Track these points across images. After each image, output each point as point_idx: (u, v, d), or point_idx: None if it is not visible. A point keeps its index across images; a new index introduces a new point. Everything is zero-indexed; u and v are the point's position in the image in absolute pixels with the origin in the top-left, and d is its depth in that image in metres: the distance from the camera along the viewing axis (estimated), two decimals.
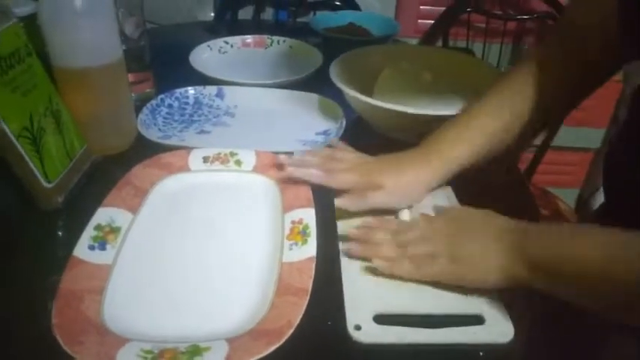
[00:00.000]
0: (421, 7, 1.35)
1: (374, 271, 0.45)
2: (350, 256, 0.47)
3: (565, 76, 0.54)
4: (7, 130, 0.48)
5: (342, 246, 0.48)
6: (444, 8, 1.30)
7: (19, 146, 0.49)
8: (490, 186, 0.60)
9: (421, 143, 0.55)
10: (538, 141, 1.18)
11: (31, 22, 0.59)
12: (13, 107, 0.49)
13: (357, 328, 0.40)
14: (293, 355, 0.37)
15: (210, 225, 0.51)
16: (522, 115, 0.54)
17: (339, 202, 0.51)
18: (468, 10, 1.30)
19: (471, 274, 0.43)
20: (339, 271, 0.46)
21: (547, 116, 0.57)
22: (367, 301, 0.43)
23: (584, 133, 1.46)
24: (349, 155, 0.57)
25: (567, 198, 1.20)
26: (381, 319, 0.41)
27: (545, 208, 1.14)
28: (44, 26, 0.54)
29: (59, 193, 0.53)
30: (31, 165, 0.50)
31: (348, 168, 0.54)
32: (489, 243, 0.43)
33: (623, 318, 0.39)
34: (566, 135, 1.33)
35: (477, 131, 0.54)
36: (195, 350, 0.36)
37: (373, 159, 0.56)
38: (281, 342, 0.37)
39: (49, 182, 0.52)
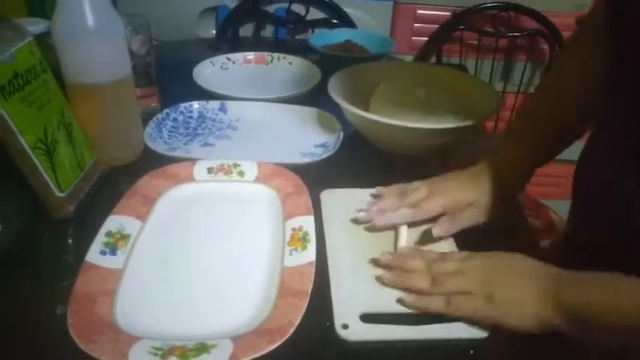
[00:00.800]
0: (415, 24, 1.40)
1: (359, 272, 0.49)
2: (383, 283, 0.47)
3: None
4: (24, 143, 0.51)
5: (329, 248, 0.51)
6: (437, 26, 1.35)
7: (34, 158, 0.52)
8: None
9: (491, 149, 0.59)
10: None
11: (43, 40, 0.62)
12: (29, 121, 0.52)
13: (345, 327, 0.43)
14: (291, 352, 0.40)
15: (214, 232, 0.54)
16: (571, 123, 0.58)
17: (437, 230, 0.52)
18: (461, 27, 1.34)
19: (505, 318, 0.43)
20: (326, 271, 0.49)
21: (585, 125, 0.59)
22: (354, 301, 0.45)
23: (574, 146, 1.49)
24: (417, 183, 0.57)
25: (560, 209, 1.23)
26: (368, 317, 0.44)
27: (538, 219, 1.17)
28: (58, 44, 0.57)
29: (71, 202, 0.56)
30: (45, 176, 0.53)
31: (428, 194, 0.55)
32: (524, 287, 0.43)
33: None
34: None
35: (540, 135, 0.58)
36: (203, 347, 0.39)
37: (442, 178, 0.57)
38: (283, 340, 0.39)
39: (62, 192, 0.55)
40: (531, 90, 1.45)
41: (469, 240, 0.53)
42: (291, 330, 0.40)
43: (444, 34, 1.35)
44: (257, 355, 0.38)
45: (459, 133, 0.64)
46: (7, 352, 0.41)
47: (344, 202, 0.58)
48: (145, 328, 0.42)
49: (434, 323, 0.44)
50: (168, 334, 0.41)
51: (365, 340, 0.43)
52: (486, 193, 0.54)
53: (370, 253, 0.51)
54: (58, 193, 0.54)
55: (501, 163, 0.56)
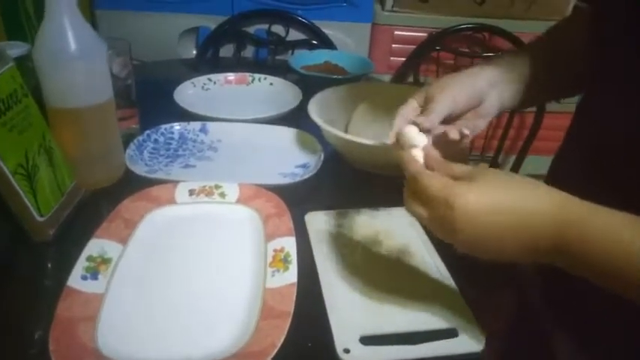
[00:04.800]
0: (393, 45, 1.43)
1: (354, 294, 0.49)
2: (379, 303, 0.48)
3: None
4: (5, 168, 0.51)
5: (320, 272, 0.52)
6: (414, 47, 1.39)
7: (14, 183, 0.52)
8: None
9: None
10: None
11: (23, 63, 0.63)
12: (10, 146, 0.52)
13: (346, 351, 0.43)
14: None
15: (196, 254, 0.55)
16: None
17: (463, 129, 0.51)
18: (437, 48, 1.38)
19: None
20: (320, 295, 0.49)
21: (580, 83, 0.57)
22: (352, 323, 0.46)
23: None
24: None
25: None
26: (367, 340, 0.44)
27: None
28: (40, 69, 0.57)
29: (51, 226, 0.56)
30: (26, 200, 0.53)
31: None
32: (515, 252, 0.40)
33: None
34: (536, 163, 1.41)
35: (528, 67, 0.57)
36: None
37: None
38: None
39: (42, 216, 0.55)
40: None
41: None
42: (274, 352, 0.41)
43: (421, 54, 1.39)
44: None
45: None
46: None
47: (330, 224, 0.60)
48: (129, 353, 0.42)
49: (432, 341, 0.45)
50: (151, 358, 0.41)
51: None
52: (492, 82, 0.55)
53: (363, 273, 0.52)
54: (38, 218, 0.54)
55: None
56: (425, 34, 1.39)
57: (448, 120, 0.53)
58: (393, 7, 1.41)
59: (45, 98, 0.59)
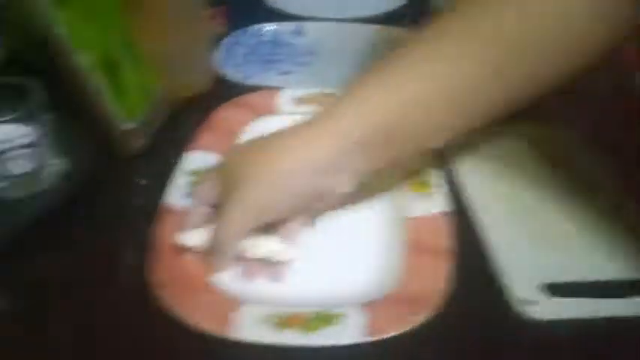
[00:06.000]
0: None
1: (522, 232, 0.38)
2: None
3: None
4: (83, 63, 0.42)
5: (474, 203, 0.40)
6: None
7: (95, 82, 0.43)
8: None
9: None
10: None
11: None
12: (88, 38, 0.43)
13: (529, 302, 0.32)
14: (447, 329, 0.30)
15: None
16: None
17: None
18: None
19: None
20: (477, 232, 0.38)
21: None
22: (531, 268, 0.34)
23: None
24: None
25: None
26: (553, 289, 0.33)
27: None
28: None
29: (139, 136, 0.47)
30: (109, 105, 0.44)
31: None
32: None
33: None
34: None
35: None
36: (327, 317, 0.30)
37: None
38: (427, 311, 0.30)
39: (129, 123, 0.46)
40: None
41: None
42: (436, 298, 0.31)
43: None
44: (402, 331, 0.29)
45: None
46: (83, 309, 0.33)
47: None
48: (247, 289, 0.33)
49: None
50: (276, 297, 0.33)
51: (558, 318, 0.31)
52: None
53: (530, 209, 0.40)
54: (124, 126, 0.46)
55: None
56: None
57: None
58: None
59: None
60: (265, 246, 0.34)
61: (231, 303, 0.31)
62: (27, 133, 0.40)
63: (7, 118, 0.39)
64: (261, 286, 0.33)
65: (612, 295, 0.32)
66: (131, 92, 0.47)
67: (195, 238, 0.34)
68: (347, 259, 0.36)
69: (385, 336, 0.29)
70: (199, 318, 0.30)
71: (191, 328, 0.29)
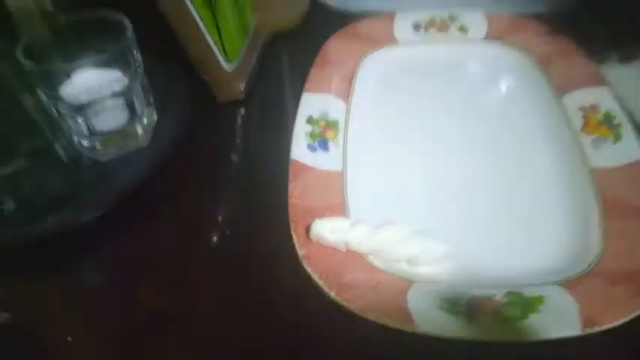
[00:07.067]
0: None
1: None
2: None
3: None
4: None
5: None
6: None
7: (195, 15, 0.36)
8: None
9: None
10: None
11: None
12: None
13: None
14: None
15: (455, 118, 0.37)
16: None
17: None
18: None
19: None
20: None
21: None
22: None
23: None
24: None
25: None
26: None
27: None
28: None
29: (241, 78, 0.41)
30: (210, 41, 0.38)
31: None
32: None
33: None
34: None
35: None
36: (524, 302, 0.24)
37: None
38: None
39: (230, 64, 0.40)
40: None
41: None
42: None
43: None
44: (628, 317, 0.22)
45: None
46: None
47: None
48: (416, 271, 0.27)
49: None
50: (452, 278, 0.27)
51: None
52: None
53: None
54: (226, 67, 0.39)
55: None
56: None
57: None
58: None
59: None
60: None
61: (397, 283, 0.25)
62: (117, 78, 0.34)
63: (92, 60, 0.33)
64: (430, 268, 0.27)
65: None
66: (230, 28, 0.40)
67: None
68: (528, 226, 0.29)
69: (607, 326, 0.22)
70: (365, 307, 0.24)
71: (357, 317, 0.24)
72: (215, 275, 0.29)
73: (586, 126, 0.33)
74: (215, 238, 0.31)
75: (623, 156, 0.30)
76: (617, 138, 0.31)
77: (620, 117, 0.32)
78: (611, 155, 0.30)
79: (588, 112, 0.33)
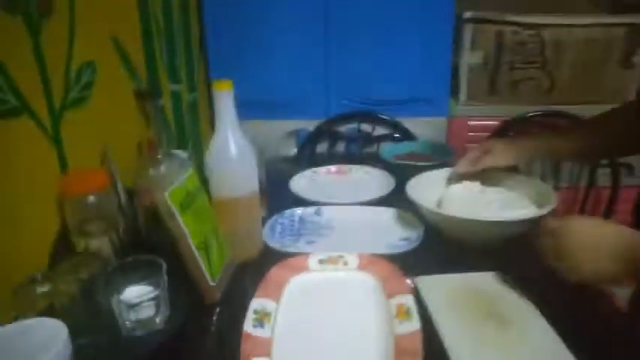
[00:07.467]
0: (469, 133, 1.58)
1: (473, 341, 0.59)
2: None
3: None
4: (192, 244, 0.68)
5: (439, 325, 0.62)
6: (488, 134, 1.52)
7: (197, 256, 0.69)
8: None
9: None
10: None
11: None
12: (195, 228, 0.70)
13: None
14: None
15: (333, 310, 0.67)
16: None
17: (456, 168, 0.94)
18: (510, 134, 1.51)
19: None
20: (439, 342, 0.60)
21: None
22: None
23: None
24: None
25: None
26: None
27: None
28: (210, 170, 0.77)
29: (219, 289, 0.72)
30: (203, 269, 0.70)
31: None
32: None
33: None
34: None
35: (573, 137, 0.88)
36: None
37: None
38: None
39: (213, 281, 0.71)
40: (581, 184, 1.56)
41: None
42: None
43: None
44: None
45: (520, 227, 0.76)
46: None
47: (440, 286, 0.70)
48: None
49: None
50: None
51: None
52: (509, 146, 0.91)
53: (475, 326, 0.62)
54: (211, 283, 0.70)
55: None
56: (497, 122, 1.54)
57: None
58: (466, 100, 1.58)
59: (211, 190, 0.78)
60: None
61: None
62: (152, 291, 0.65)
63: (143, 282, 0.64)
64: None
65: None
66: (215, 261, 0.72)
67: None
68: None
69: None
70: None
71: None
72: None
73: (398, 313, 0.63)
74: None
75: (411, 327, 0.60)
76: (410, 319, 0.62)
77: (414, 309, 0.63)
78: (406, 327, 0.60)
79: (401, 306, 0.64)
